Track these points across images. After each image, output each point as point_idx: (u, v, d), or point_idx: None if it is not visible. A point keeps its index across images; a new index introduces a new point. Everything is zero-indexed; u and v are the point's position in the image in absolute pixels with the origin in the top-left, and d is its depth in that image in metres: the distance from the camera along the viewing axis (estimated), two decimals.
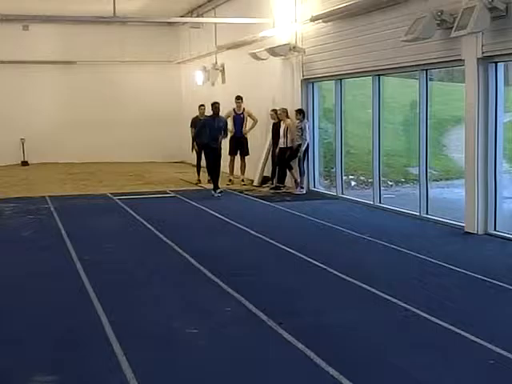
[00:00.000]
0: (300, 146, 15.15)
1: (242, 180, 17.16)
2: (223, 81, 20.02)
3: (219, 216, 12.29)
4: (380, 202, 13.14)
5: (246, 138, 17.16)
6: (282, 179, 15.97)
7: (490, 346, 5.49)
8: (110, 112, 23.61)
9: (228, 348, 5.64)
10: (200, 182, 17.37)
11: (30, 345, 5.72)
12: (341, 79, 14.32)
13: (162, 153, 23.72)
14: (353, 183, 16.36)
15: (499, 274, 7.81)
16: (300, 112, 15.17)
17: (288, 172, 15.73)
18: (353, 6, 12.72)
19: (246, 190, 15.90)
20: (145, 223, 11.57)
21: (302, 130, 15.07)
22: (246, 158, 17.25)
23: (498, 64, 10.00)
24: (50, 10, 18.34)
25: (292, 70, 15.74)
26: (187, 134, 18.53)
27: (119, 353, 5.41)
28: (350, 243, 9.99)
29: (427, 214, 11.62)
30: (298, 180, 15.38)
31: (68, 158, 23.11)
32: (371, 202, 13.28)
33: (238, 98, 17.01)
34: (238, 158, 17.42)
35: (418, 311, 6.44)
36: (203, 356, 5.45)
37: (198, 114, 17.84)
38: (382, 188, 13.44)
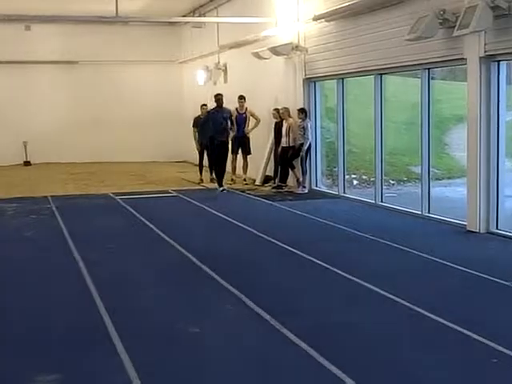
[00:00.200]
0: (302, 145, 15.15)
1: (244, 179, 17.15)
2: (225, 80, 20.02)
3: (221, 215, 12.28)
4: (382, 201, 13.14)
5: (248, 138, 17.15)
6: (284, 178, 15.97)
7: (492, 344, 5.49)
8: (111, 112, 23.62)
9: (230, 347, 5.64)
10: (202, 182, 17.37)
11: (32, 344, 5.72)
12: (343, 78, 14.31)
13: (163, 152, 23.71)
14: (355, 182, 16.36)
15: (501, 272, 7.80)
16: (302, 111, 15.16)
17: (290, 171, 15.72)
18: (355, 5, 12.71)
19: (248, 190, 15.90)
20: (147, 223, 11.57)
21: (305, 129, 15.07)
22: (248, 157, 17.25)
23: (501, 63, 9.99)
24: (52, 10, 18.33)
25: (294, 69, 15.74)
26: (189, 133, 18.53)
27: (122, 352, 5.41)
28: (352, 242, 9.99)
29: (429, 212, 11.62)
30: (300, 179, 15.38)
31: (70, 158, 23.11)
32: (373, 201, 13.28)
33: (241, 98, 17.01)
34: (240, 157, 17.41)
35: (421, 310, 6.44)
36: (206, 355, 5.44)
37: (200, 113, 17.84)
38: (384, 187, 13.44)
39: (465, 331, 5.82)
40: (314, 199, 14.36)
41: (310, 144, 15.23)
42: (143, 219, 11.92)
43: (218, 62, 20.04)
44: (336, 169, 15.11)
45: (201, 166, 17.73)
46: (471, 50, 9.99)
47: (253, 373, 5.11)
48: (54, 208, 13.36)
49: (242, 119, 17.02)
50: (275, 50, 15.36)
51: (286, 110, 15.70)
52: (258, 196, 14.89)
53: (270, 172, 16.63)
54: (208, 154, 17.43)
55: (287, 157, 15.52)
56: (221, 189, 15.08)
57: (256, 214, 12.87)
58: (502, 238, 9.89)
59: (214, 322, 6.29)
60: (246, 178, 17.18)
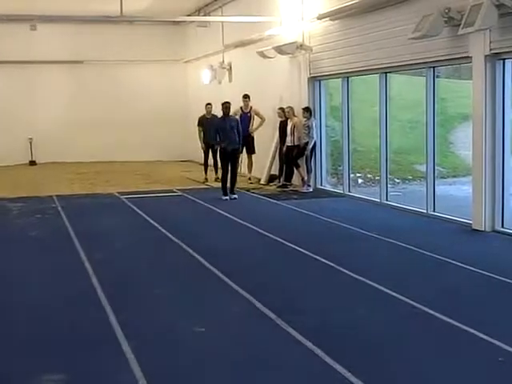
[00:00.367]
0: (307, 144, 15.15)
1: (249, 178, 17.16)
2: (230, 79, 20.03)
3: (227, 214, 12.29)
4: (387, 200, 13.13)
5: (253, 137, 17.15)
6: (289, 177, 15.97)
7: (498, 343, 5.48)
8: (117, 111, 23.64)
9: (236, 346, 5.65)
10: (207, 181, 17.39)
11: (38, 343, 5.74)
12: (348, 77, 14.31)
13: (169, 152, 23.72)
14: (360, 181, 16.35)
15: (507, 271, 7.78)
16: (307, 110, 15.16)
17: (295, 170, 15.73)
18: (360, 3, 12.69)
19: (253, 188, 15.90)
20: (152, 222, 11.58)
21: (309, 128, 15.07)
22: (252, 156, 17.25)
23: (506, 61, 9.97)
24: (58, 10, 18.35)
25: (299, 68, 15.73)
26: (194, 132, 18.53)
27: (128, 352, 5.42)
28: (357, 241, 9.98)
29: (434, 211, 11.61)
30: (305, 178, 15.38)
31: (75, 158, 23.14)
32: (378, 200, 13.27)
33: (246, 97, 17.01)
34: (244, 156, 17.41)
35: (427, 309, 6.44)
36: (211, 355, 5.45)
37: (205, 112, 17.85)
38: (389, 185, 13.43)
39: (470, 330, 5.82)
40: (319, 198, 14.36)
41: (314, 143, 15.23)
42: (148, 218, 11.93)
43: (223, 61, 20.05)
44: (341, 167, 15.11)
45: (206, 165, 17.75)
46: (476, 49, 9.98)
47: (258, 372, 5.11)
48: (59, 208, 13.38)
49: (246, 118, 17.01)
50: (280, 49, 15.36)
51: (291, 109, 15.70)
52: (263, 195, 14.90)
53: (275, 171, 16.63)
54: (213, 155, 17.47)
55: (292, 156, 15.52)
56: (231, 196, 14.50)
57: (261, 212, 12.87)
58: (508, 237, 9.87)
59: (219, 321, 6.30)
60: (250, 176, 17.18)
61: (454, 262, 8.34)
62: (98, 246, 9.82)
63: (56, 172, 20.63)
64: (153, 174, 19.67)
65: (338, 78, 14.58)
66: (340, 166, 15.28)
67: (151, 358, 5.31)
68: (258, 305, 6.67)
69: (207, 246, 9.64)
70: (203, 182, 17.36)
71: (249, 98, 16.98)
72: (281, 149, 16.17)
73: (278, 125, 16.29)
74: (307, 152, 15.19)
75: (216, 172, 17.49)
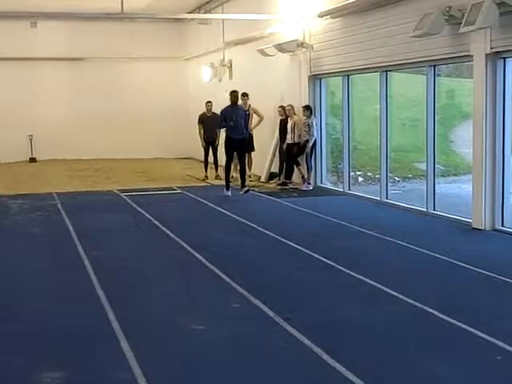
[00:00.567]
0: (307, 141, 15.16)
1: (249, 176, 17.15)
2: (230, 77, 20.01)
3: (227, 212, 12.29)
4: (387, 198, 13.13)
5: (252, 135, 17.13)
6: (289, 175, 15.97)
7: (497, 341, 5.48)
8: (117, 108, 23.64)
9: (235, 344, 5.64)
10: (207, 178, 17.39)
11: (37, 341, 5.73)
12: (348, 75, 14.30)
13: (169, 149, 23.72)
14: (360, 179, 16.34)
15: (507, 270, 7.78)
16: (307, 108, 15.16)
17: (295, 168, 15.72)
18: (360, 1, 12.68)
19: (253, 186, 15.89)
20: (151, 219, 11.58)
21: (310, 126, 15.07)
22: (252, 153, 17.22)
23: (507, 59, 9.96)
24: (58, 7, 18.35)
25: (299, 66, 15.72)
26: (194, 130, 18.52)
27: (127, 349, 5.42)
28: (356, 239, 9.97)
29: (434, 209, 11.60)
30: (306, 176, 15.38)
31: (75, 155, 23.13)
32: (378, 198, 13.27)
33: (244, 95, 16.97)
34: None
35: (427, 308, 6.43)
36: (211, 353, 5.44)
37: (205, 110, 17.84)
38: (389, 184, 13.43)
39: (469, 328, 5.82)
40: (319, 196, 14.36)
41: (315, 141, 15.23)
42: (148, 216, 11.92)
43: (224, 59, 20.04)
44: (341, 166, 15.10)
45: (206, 162, 17.74)
46: (477, 47, 9.97)
47: (257, 370, 5.10)
48: (59, 205, 13.38)
49: (245, 116, 16.96)
50: (280, 47, 15.35)
51: (292, 107, 15.70)
52: (263, 193, 14.89)
53: (275, 169, 16.62)
54: (213, 152, 17.47)
55: (292, 154, 15.52)
56: (245, 190, 14.13)
57: (261, 210, 12.87)
58: (508, 236, 9.88)
59: (218, 319, 6.29)
60: (250, 174, 17.17)
61: (453, 260, 8.33)
62: (97, 243, 9.82)
63: (56, 169, 20.63)
64: (153, 171, 19.67)
65: (339, 76, 14.58)
66: (340, 164, 15.28)
67: (150, 356, 5.30)
68: (257, 302, 6.67)
69: (207, 243, 9.63)
70: (203, 180, 17.36)
71: (247, 96, 16.94)
72: (281, 147, 16.17)
73: (278, 123, 16.28)
74: (307, 150, 15.20)
75: (216, 170, 17.50)
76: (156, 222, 11.31)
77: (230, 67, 19.98)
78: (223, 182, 15.89)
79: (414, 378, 4.94)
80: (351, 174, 14.89)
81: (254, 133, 17.09)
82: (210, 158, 17.70)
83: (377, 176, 14.25)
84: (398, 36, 11.78)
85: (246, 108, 16.84)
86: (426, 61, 11.36)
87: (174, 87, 24.12)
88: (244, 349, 5.54)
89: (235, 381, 4.94)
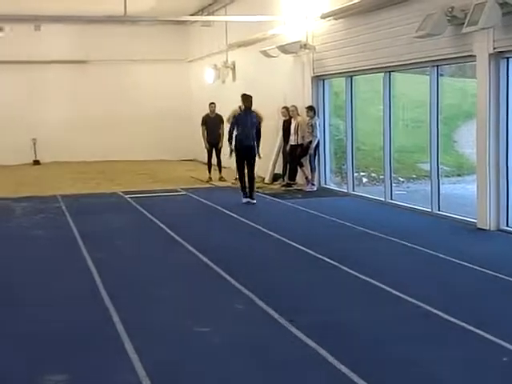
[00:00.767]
0: (311, 142, 15.16)
1: (236, 178, 17.04)
2: (234, 79, 20.02)
3: (231, 214, 12.29)
4: (391, 199, 13.11)
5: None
6: (293, 176, 15.96)
7: (503, 343, 5.46)
8: (121, 111, 23.66)
9: (239, 346, 5.64)
10: (211, 180, 17.38)
11: (41, 343, 5.73)
12: (351, 76, 14.29)
13: (173, 151, 23.72)
14: (364, 180, 16.33)
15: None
16: (311, 109, 15.16)
17: (299, 169, 15.72)
18: (363, 2, 12.68)
19: (257, 187, 15.84)
20: (156, 221, 11.59)
21: (313, 127, 15.07)
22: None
23: (510, 59, 9.95)
24: (62, 10, 18.36)
25: (303, 67, 15.72)
26: (198, 132, 18.52)
27: (131, 351, 5.41)
28: (361, 240, 9.96)
29: (439, 210, 11.59)
30: (309, 177, 15.37)
31: (79, 157, 23.14)
32: (382, 199, 13.25)
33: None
34: None
35: (431, 308, 6.42)
36: (215, 354, 5.44)
37: (208, 112, 17.84)
38: (393, 184, 13.41)
39: (475, 330, 5.80)
40: (323, 197, 14.35)
41: (318, 142, 15.23)
42: (152, 218, 11.93)
43: (227, 61, 20.05)
44: (345, 166, 15.09)
45: (209, 164, 17.73)
46: (480, 47, 9.96)
47: (261, 371, 5.10)
48: (63, 207, 13.39)
49: None
50: (283, 49, 15.36)
51: (295, 108, 15.70)
52: (267, 194, 14.89)
53: (279, 170, 16.62)
54: (217, 154, 17.46)
55: (296, 155, 15.51)
56: (249, 200, 13.56)
57: (265, 212, 12.86)
58: None
59: (223, 320, 6.29)
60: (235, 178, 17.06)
61: (458, 261, 8.32)
62: (101, 245, 9.83)
63: (60, 171, 20.64)
64: (157, 173, 19.67)
65: (342, 77, 14.57)
66: (344, 164, 15.27)
67: (155, 358, 5.30)
68: (261, 304, 6.66)
69: (211, 245, 9.63)
70: (207, 182, 17.35)
71: None
72: (284, 148, 16.17)
73: (281, 124, 16.28)
74: (311, 151, 15.20)
75: (220, 171, 17.50)
76: (160, 224, 11.31)
77: (233, 69, 19.99)
78: (227, 184, 15.93)
79: (419, 379, 4.93)
80: (355, 174, 14.88)
81: None
82: (214, 160, 17.69)
83: (381, 177, 14.24)
84: (400, 37, 11.77)
85: None
86: (429, 61, 11.35)
87: (177, 89, 24.13)
88: (248, 351, 5.53)
89: (239, 382, 4.94)
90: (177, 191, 15.67)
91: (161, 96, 23.86)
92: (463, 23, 9.75)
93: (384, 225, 10.87)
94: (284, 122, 16.13)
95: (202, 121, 17.88)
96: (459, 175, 16.42)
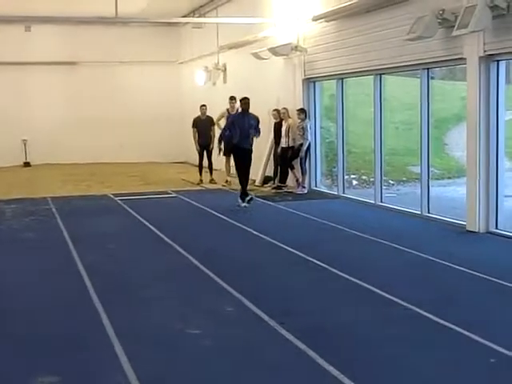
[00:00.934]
0: (302, 145, 15.17)
1: (226, 181, 17.03)
2: (225, 81, 20.02)
3: (221, 216, 12.28)
4: (382, 201, 13.13)
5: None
6: (283, 179, 15.97)
7: (491, 344, 5.49)
8: (111, 112, 23.61)
9: (230, 348, 5.63)
10: (202, 182, 17.36)
11: (32, 345, 5.72)
12: (342, 78, 14.31)
13: (163, 153, 23.71)
14: (354, 182, 16.36)
15: (501, 272, 7.79)
16: (302, 111, 15.17)
17: (290, 171, 15.72)
18: (355, 5, 12.71)
19: (248, 190, 15.85)
20: (146, 223, 11.57)
21: (304, 129, 15.08)
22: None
23: (500, 62, 9.99)
24: (52, 11, 18.31)
25: (294, 69, 15.74)
26: (189, 134, 18.51)
27: (121, 354, 5.41)
28: (351, 242, 9.98)
29: (429, 212, 11.62)
30: (300, 179, 15.38)
31: (70, 159, 23.06)
32: (373, 201, 13.27)
33: (232, 99, 16.98)
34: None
35: (420, 310, 6.44)
36: (205, 356, 5.44)
37: (199, 114, 17.82)
38: (383, 187, 13.44)
39: (463, 331, 5.82)
40: (314, 199, 14.36)
41: (309, 144, 15.24)
42: (143, 220, 11.91)
43: (218, 63, 20.04)
44: (335, 169, 15.11)
45: (200, 166, 17.71)
46: (470, 50, 9.99)
47: (251, 373, 5.10)
48: (53, 209, 13.34)
49: None
50: (274, 51, 15.36)
51: (286, 110, 15.72)
52: (258, 196, 14.87)
53: (270, 172, 16.62)
54: (208, 156, 17.44)
55: (287, 157, 15.52)
56: (248, 198, 13.41)
57: (255, 214, 12.84)
58: (502, 238, 9.89)
59: (213, 323, 6.29)
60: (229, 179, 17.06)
61: (448, 263, 8.34)
62: (91, 247, 9.80)
63: (50, 173, 20.58)
64: (147, 175, 19.64)
65: (333, 79, 14.60)
66: (335, 167, 15.29)
67: (145, 360, 5.30)
68: (252, 306, 6.66)
69: (201, 247, 9.62)
70: (198, 184, 17.34)
71: (235, 99, 16.92)
72: (275, 150, 16.18)
73: (272, 126, 16.28)
74: (302, 153, 15.21)
75: (211, 174, 17.48)
76: (150, 226, 11.29)
77: (225, 71, 19.99)
78: (218, 186, 15.92)
79: (407, 380, 4.94)
80: (346, 177, 14.91)
81: None
82: (205, 162, 17.67)
83: (371, 179, 14.26)
84: (391, 39, 11.80)
85: (234, 111, 16.76)
86: (419, 64, 11.38)
87: (168, 91, 24.11)
88: (238, 353, 5.53)
89: None
90: (167, 193, 15.65)
91: (152, 98, 23.84)
92: (454, 26, 9.78)
93: (374, 227, 10.89)
94: (275, 124, 16.13)
95: (193, 123, 17.86)
96: (449, 178, 16.48)
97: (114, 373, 5.07)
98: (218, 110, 17.42)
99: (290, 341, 5.68)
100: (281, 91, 16.36)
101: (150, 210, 13.08)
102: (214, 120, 17.39)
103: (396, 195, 15.03)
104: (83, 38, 22.88)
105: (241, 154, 13.48)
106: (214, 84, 20.21)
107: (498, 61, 9.96)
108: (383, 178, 13.46)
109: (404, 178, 16.73)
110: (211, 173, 17.50)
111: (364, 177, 16.42)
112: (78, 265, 8.63)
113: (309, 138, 15.15)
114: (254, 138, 13.71)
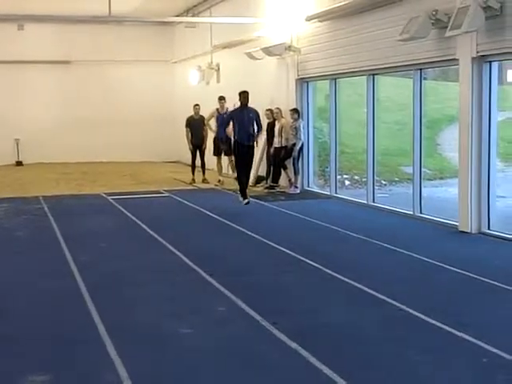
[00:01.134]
0: (294, 145, 15.17)
1: (235, 179, 17.04)
2: (218, 80, 20.00)
3: (213, 215, 12.28)
4: (374, 202, 13.15)
5: (230, 138, 17.02)
6: (276, 179, 15.97)
7: (482, 344, 5.50)
8: (104, 112, 23.56)
9: (222, 348, 5.63)
10: (194, 182, 17.35)
11: (23, 345, 5.70)
12: (335, 79, 14.32)
13: (156, 152, 23.67)
14: (347, 182, 16.38)
15: (493, 273, 7.81)
16: (295, 111, 15.18)
17: (282, 171, 15.73)
18: (348, 5, 12.72)
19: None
20: (138, 223, 11.55)
21: (297, 129, 15.08)
22: (232, 157, 17.04)
23: (492, 63, 10.02)
24: (46, 10, 18.29)
25: (287, 69, 15.74)
26: (182, 133, 18.49)
27: (113, 353, 5.40)
28: (344, 242, 9.99)
29: (421, 213, 11.64)
30: (293, 179, 15.39)
31: (62, 158, 23.01)
32: (365, 202, 13.29)
33: (221, 99, 17.00)
34: (226, 157, 17.31)
35: (412, 310, 6.44)
36: (197, 356, 5.43)
37: (192, 113, 17.81)
38: (375, 187, 13.46)
39: (455, 331, 5.83)
40: (306, 199, 14.37)
41: (302, 144, 15.24)
42: (135, 219, 11.89)
43: (211, 62, 20.02)
44: (328, 169, 15.12)
45: (193, 166, 17.70)
46: (463, 51, 10.01)
47: (244, 373, 5.10)
48: (46, 208, 13.31)
49: (222, 120, 16.93)
50: (268, 51, 15.36)
51: (279, 110, 15.72)
52: (250, 196, 14.82)
53: (263, 172, 16.62)
54: (201, 155, 17.43)
55: (279, 157, 15.52)
56: (245, 201, 13.02)
57: (247, 214, 12.83)
58: (494, 239, 9.91)
59: (205, 322, 6.28)
60: (235, 177, 17.07)
61: (440, 263, 8.35)
62: (83, 246, 9.78)
63: (43, 172, 20.51)
64: (140, 174, 19.61)
65: (326, 79, 14.61)
66: (327, 167, 15.30)
67: (137, 360, 5.29)
68: (243, 306, 6.66)
69: (193, 246, 9.62)
70: (190, 183, 17.32)
71: (224, 99, 16.94)
72: (268, 150, 16.18)
73: (265, 126, 16.27)
74: (294, 153, 15.21)
75: (204, 173, 17.47)
76: (143, 225, 11.28)
77: (218, 70, 19.97)
78: (211, 186, 15.92)
79: (400, 380, 4.95)
80: (338, 177, 14.92)
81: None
82: (198, 162, 17.65)
83: (363, 179, 14.28)
84: (384, 40, 11.82)
85: (224, 111, 16.79)
86: (412, 64, 11.40)
87: (161, 90, 24.09)
88: (231, 353, 5.53)
89: None
90: (160, 193, 15.64)
91: (145, 97, 23.81)
92: (447, 27, 9.80)
93: (366, 227, 10.90)
94: (268, 124, 16.12)
95: (187, 122, 17.83)
96: (442, 178, 16.52)
97: (105, 371, 5.06)
98: (211, 109, 17.41)
99: (282, 341, 5.68)
100: (274, 91, 16.36)
101: (142, 210, 13.06)
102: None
103: (388, 195, 15.05)
104: (76, 36, 22.84)
105: (241, 150, 12.98)
106: (208, 84, 20.19)
107: (490, 62, 9.98)
108: (375, 178, 13.49)
109: (396, 179, 16.76)
110: (204, 172, 17.49)
111: (356, 177, 16.44)
112: (70, 264, 8.61)
113: (302, 137, 15.15)
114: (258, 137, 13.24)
